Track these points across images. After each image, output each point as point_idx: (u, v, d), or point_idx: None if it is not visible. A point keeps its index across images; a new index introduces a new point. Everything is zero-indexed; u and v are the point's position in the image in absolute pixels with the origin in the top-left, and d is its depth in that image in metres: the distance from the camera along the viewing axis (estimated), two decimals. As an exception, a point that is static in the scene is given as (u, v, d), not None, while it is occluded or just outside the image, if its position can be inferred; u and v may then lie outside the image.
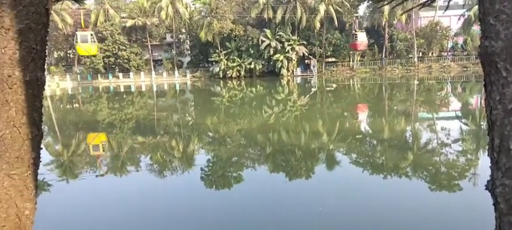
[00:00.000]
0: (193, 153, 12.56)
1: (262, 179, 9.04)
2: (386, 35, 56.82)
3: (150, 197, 8.07)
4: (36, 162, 2.34)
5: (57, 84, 60.91)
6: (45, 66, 2.38)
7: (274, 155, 11.51)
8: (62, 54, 73.03)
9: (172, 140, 14.32)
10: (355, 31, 54.14)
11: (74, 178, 10.01)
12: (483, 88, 1.72)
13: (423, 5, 4.94)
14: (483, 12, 1.65)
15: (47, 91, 49.80)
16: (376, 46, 58.70)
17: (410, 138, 13.61)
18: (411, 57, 58.01)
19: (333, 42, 57.81)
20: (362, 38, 53.27)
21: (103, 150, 13.71)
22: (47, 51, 2.37)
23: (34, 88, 2.24)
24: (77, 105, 33.18)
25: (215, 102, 29.63)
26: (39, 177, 9.46)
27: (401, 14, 48.25)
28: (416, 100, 25.90)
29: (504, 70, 1.57)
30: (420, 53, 59.90)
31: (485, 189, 1.76)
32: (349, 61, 60.06)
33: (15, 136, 2.16)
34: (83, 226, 6.45)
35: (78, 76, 64.39)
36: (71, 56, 70.80)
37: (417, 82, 40.63)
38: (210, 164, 10.79)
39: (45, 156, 12.99)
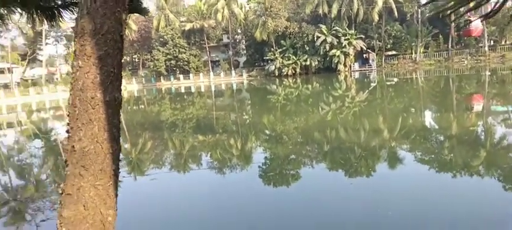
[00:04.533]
0: (251, 151, 12.74)
1: (321, 179, 8.89)
2: (453, 24, 52.69)
3: (209, 193, 8.33)
4: (116, 173, 2.61)
5: (124, 87, 65.35)
6: (121, 87, 2.63)
7: (332, 153, 11.27)
8: (128, 59, 78.23)
9: (230, 138, 14.66)
10: (469, 17, 49.07)
11: (141, 175, 10.67)
12: None
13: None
14: None
15: (116, 94, 53.66)
16: (441, 36, 54.78)
17: (483, 134, 12.51)
18: (481, 46, 53.24)
19: (393, 34, 55.17)
20: (476, 23, 47.35)
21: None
22: (122, 73, 2.62)
23: (113, 108, 2.49)
24: (142, 106, 35.36)
25: (271, 100, 29.77)
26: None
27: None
28: (488, 92, 23.73)
29: None
30: (491, 42, 54.70)
31: None
32: (411, 53, 56.73)
33: (98, 151, 2.41)
34: (144, 221, 6.86)
35: (143, 79, 68.56)
36: (136, 60, 75.61)
37: (489, 73, 37.21)
38: (268, 162, 10.87)
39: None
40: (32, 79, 67.93)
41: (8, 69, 63.12)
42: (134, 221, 6.76)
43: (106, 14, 2.39)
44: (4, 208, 8.05)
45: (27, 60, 69.62)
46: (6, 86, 62.54)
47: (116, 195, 2.62)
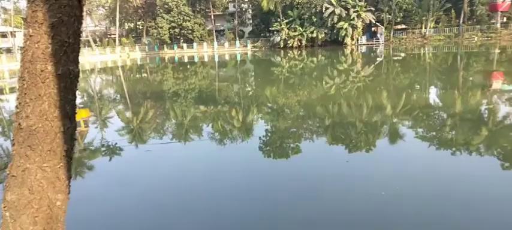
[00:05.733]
0: (252, 123, 12.69)
1: (318, 154, 8.86)
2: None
3: (209, 164, 8.36)
4: (68, 154, 2.37)
5: (127, 54, 65.02)
6: (79, 59, 2.39)
7: (332, 128, 11.19)
8: (132, 26, 77.37)
9: (232, 110, 14.60)
10: None
11: (143, 143, 10.70)
12: None
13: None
14: None
15: (119, 62, 53.49)
16: (453, 10, 53.30)
17: (486, 113, 12.33)
18: (494, 23, 51.84)
19: (404, 7, 53.77)
20: None
21: (85, 126, 13.00)
22: (80, 43, 2.38)
23: (66, 82, 2.25)
24: (145, 75, 35.22)
25: (275, 73, 29.48)
26: (114, 139, 10.17)
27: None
28: (496, 70, 23.26)
29: None
30: (504, 19, 53.19)
31: None
32: (421, 28, 55.48)
33: (47, 130, 2.20)
34: (141, 187, 6.90)
35: (146, 47, 68.03)
36: (140, 27, 74.78)
37: (498, 51, 36.41)
38: (268, 134, 10.83)
39: (117, 122, 14.07)
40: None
41: (11, 33, 62.60)
42: (131, 191, 6.81)
43: None
44: None
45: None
46: (8, 51, 62.33)
47: (69, 178, 2.42)
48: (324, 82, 21.79)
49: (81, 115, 14.62)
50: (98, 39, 72.09)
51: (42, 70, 2.14)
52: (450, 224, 5.04)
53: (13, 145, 2.24)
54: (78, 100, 18.65)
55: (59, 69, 2.19)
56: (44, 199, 2.25)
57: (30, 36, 2.13)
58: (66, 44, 2.20)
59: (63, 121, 2.27)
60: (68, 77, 2.26)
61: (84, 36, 69.86)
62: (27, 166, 2.20)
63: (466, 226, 5.04)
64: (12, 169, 2.23)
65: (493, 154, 8.15)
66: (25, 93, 2.14)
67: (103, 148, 10.28)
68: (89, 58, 60.70)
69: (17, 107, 2.20)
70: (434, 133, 10.09)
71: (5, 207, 2.24)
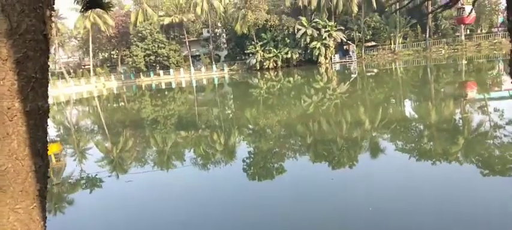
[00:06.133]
0: (234, 146, 12.67)
1: (304, 173, 8.92)
2: (430, 15, 53.56)
3: (193, 188, 8.24)
4: (42, 193, 2.28)
5: (103, 84, 63.97)
6: (48, 94, 2.32)
7: (315, 145, 11.32)
8: (106, 55, 76.44)
9: (213, 134, 14.54)
10: (462, 4, 48.24)
11: (123, 173, 10.45)
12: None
13: None
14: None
15: (95, 92, 52.52)
16: (418, 26, 55.77)
17: (461, 122, 12.82)
18: (458, 36, 54.52)
19: (372, 26, 55.80)
20: (470, 11, 47.02)
21: (56, 161, 12.46)
22: (48, 77, 2.31)
23: (36, 118, 2.18)
24: (122, 103, 34.68)
25: (253, 94, 29.71)
26: (94, 171, 9.87)
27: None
28: (465, 81, 24.36)
29: None
30: (467, 31, 56.06)
31: None
32: (390, 44, 57.57)
33: (18, 170, 2.12)
34: (123, 219, 6.72)
35: (122, 75, 67.21)
36: (115, 56, 74.03)
37: (465, 62, 38.21)
38: (251, 156, 10.83)
39: (95, 152, 13.72)
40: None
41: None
42: (119, 222, 6.62)
43: (24, 10, 2.08)
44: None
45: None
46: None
47: (44, 219, 2.34)
48: (302, 101, 22.11)
49: (52, 149, 13.95)
50: (71, 71, 70.67)
51: (9, 108, 2.06)
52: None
53: None
54: (54, 133, 18.11)
55: (27, 106, 2.12)
56: None
57: None
58: (33, 79, 2.14)
59: (35, 160, 2.19)
60: (37, 113, 2.19)
61: (57, 68, 68.50)
62: None
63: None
64: None
65: (472, 162, 8.45)
66: None
67: (83, 181, 9.97)
68: (63, 90, 59.27)
69: None
70: (413, 145, 10.38)
71: None
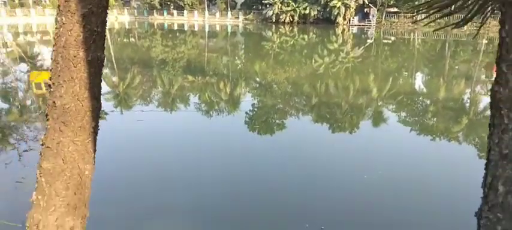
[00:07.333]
0: (239, 97, 12.74)
1: (305, 133, 9.02)
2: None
3: (194, 135, 8.43)
4: (95, 130, 2.70)
5: (115, 17, 63.11)
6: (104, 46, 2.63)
7: (319, 107, 11.35)
8: (121, -12, 74.66)
9: (220, 82, 14.57)
10: None
11: (128, 109, 10.66)
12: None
13: None
14: (499, 57, 1.73)
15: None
16: (445, -2, 53.33)
17: (468, 102, 12.68)
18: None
19: (397, -10, 53.45)
20: None
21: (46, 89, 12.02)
22: (105, 32, 2.61)
23: (95, 67, 2.53)
24: (133, 40, 34.50)
25: (265, 47, 29.30)
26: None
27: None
28: (482, 61, 23.70)
29: (506, 118, 1.68)
30: (494, 11, 53.50)
31: (475, 216, 1.92)
32: (413, 12, 55.48)
33: (78, 109, 2.50)
34: (128, 153, 6.96)
35: (135, 11, 66.15)
36: (130, -11, 72.29)
37: (486, 41, 36.92)
38: (254, 109, 10.92)
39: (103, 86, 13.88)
40: (20, 0, 64.91)
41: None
42: (121, 158, 6.86)
43: None
44: (-14, 131, 8.03)
45: (14, -22, 66.01)
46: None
47: (94, 151, 2.73)
48: (313, 61, 21.82)
49: (43, 77, 12.87)
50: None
51: (74, 56, 2.40)
52: (426, 207, 5.30)
53: (47, 119, 2.51)
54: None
55: (89, 56, 2.45)
56: (75, 168, 2.60)
57: (63, 23, 2.36)
58: (95, 33, 2.45)
59: (92, 102, 2.57)
60: (96, 63, 2.52)
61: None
62: (61, 140, 2.50)
63: (442, 210, 5.31)
64: (47, 141, 2.52)
65: (473, 142, 8.48)
66: (59, 75, 2.41)
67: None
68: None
69: (50, 86, 2.47)
70: (416, 118, 10.37)
71: (40, 173, 2.55)
